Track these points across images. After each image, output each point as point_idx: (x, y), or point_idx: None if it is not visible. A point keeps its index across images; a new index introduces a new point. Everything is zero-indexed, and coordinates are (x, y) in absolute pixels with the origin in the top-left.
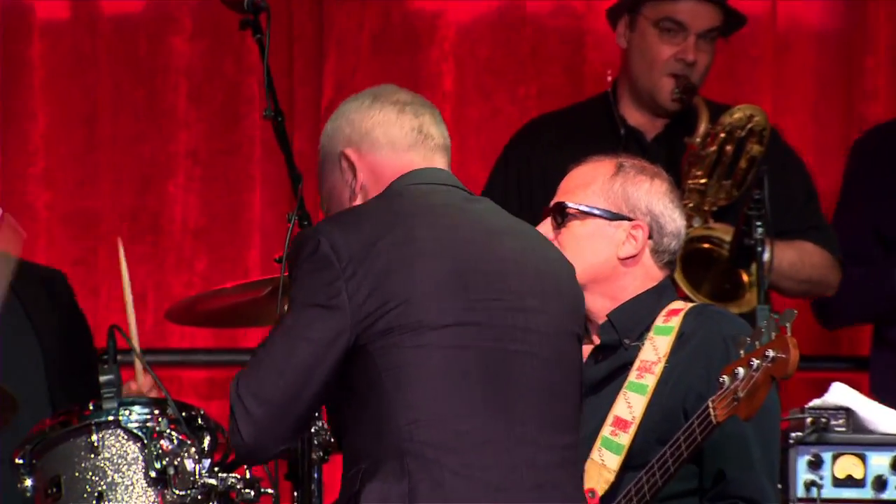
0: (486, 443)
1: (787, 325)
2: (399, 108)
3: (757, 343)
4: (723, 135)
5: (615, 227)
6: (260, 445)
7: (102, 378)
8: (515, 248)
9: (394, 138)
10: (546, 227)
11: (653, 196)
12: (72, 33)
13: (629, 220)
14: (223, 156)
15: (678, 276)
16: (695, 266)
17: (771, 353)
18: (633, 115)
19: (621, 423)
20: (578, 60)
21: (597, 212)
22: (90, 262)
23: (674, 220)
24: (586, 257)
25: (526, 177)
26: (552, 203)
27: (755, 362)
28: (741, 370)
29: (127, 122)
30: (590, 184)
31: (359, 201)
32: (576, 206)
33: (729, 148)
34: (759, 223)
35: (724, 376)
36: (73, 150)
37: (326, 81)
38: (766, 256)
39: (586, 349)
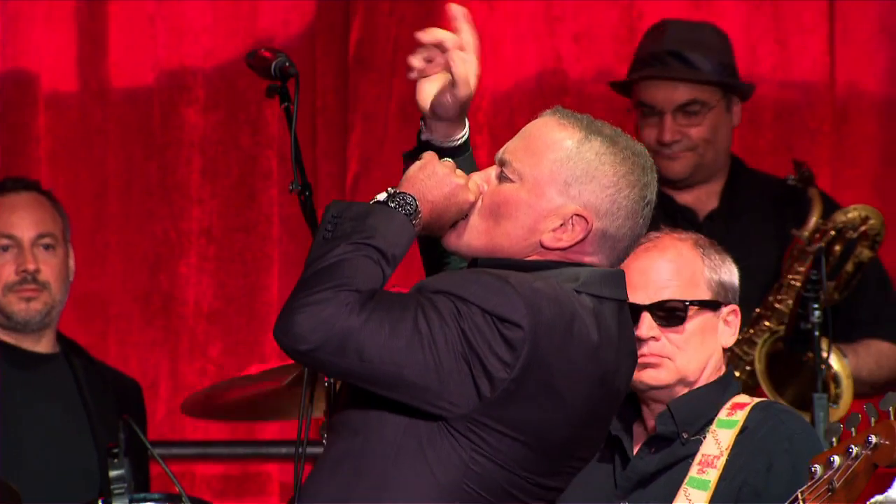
0: None
1: (890, 409)
2: (644, 203)
3: (853, 429)
4: (832, 233)
5: (717, 316)
6: (304, 355)
7: (112, 473)
8: (608, 409)
9: (620, 243)
10: (651, 327)
11: (734, 275)
12: (79, 104)
13: (726, 305)
14: (239, 234)
15: (761, 379)
16: (779, 368)
17: (874, 440)
18: (681, 193)
19: None
20: (625, 132)
21: (708, 304)
22: (100, 347)
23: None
24: (704, 354)
25: None
26: (652, 301)
27: (854, 449)
28: (836, 458)
29: (137, 198)
30: (691, 275)
31: (532, 251)
32: (694, 303)
33: (837, 248)
34: (815, 306)
35: (815, 465)
36: (80, 227)
37: (352, 155)
38: (844, 377)
39: (638, 434)
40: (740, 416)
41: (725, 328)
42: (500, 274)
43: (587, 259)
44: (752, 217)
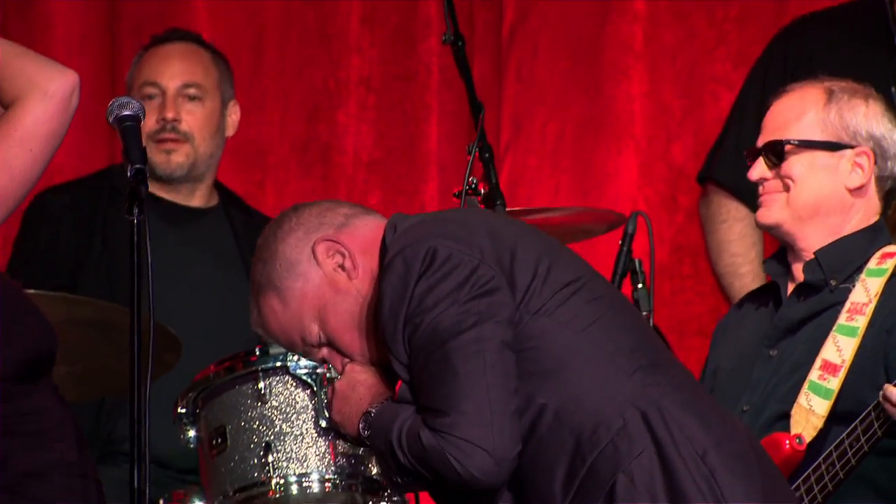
0: (682, 385)
1: None
2: (320, 205)
3: None
4: None
5: (838, 157)
6: (503, 458)
7: None
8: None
9: (347, 212)
10: (760, 169)
11: (871, 119)
12: None
13: (851, 147)
14: (398, 83)
15: None
16: None
17: None
18: None
19: (830, 368)
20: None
21: (817, 144)
22: (258, 196)
23: (895, 141)
24: (813, 190)
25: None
26: (763, 143)
27: None
28: None
29: (295, 46)
30: (802, 115)
31: (359, 278)
32: (793, 142)
33: None
34: None
35: None
36: (237, 76)
37: (508, 3)
38: None
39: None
40: (890, 265)
41: (856, 169)
42: (395, 275)
43: (370, 235)
44: None
